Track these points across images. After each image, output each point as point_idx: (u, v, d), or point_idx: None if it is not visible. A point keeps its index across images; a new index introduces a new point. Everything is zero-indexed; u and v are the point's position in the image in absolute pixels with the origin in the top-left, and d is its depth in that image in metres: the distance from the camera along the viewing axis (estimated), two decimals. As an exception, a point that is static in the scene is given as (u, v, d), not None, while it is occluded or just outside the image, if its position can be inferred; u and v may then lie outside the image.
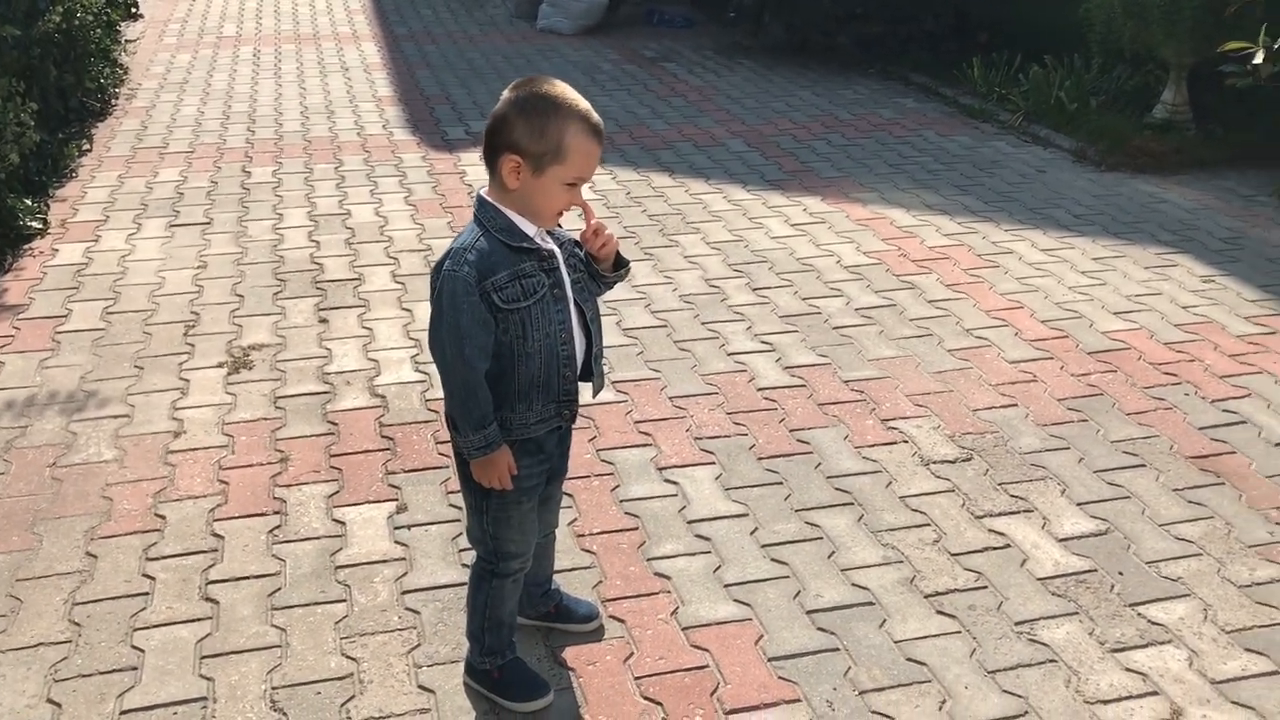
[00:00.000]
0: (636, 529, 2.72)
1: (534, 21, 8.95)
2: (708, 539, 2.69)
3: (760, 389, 3.40)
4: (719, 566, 2.59)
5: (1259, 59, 4.80)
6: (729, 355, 3.60)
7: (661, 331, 3.75)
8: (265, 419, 3.16)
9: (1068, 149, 5.92)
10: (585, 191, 1.96)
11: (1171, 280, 4.24)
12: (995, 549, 2.67)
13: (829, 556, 2.64)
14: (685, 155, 5.71)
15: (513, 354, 1.90)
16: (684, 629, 2.39)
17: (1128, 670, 2.29)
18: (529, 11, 9.13)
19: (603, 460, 2.99)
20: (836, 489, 2.90)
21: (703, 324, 3.81)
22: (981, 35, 7.32)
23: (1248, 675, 2.27)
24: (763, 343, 3.69)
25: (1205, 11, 5.45)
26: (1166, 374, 3.51)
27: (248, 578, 2.52)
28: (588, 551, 2.63)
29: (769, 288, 4.12)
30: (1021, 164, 5.72)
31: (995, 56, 6.89)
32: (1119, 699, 2.22)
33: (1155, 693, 2.23)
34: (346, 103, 6.57)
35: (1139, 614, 2.45)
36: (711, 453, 3.05)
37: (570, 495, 2.81)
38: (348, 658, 2.30)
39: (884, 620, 2.43)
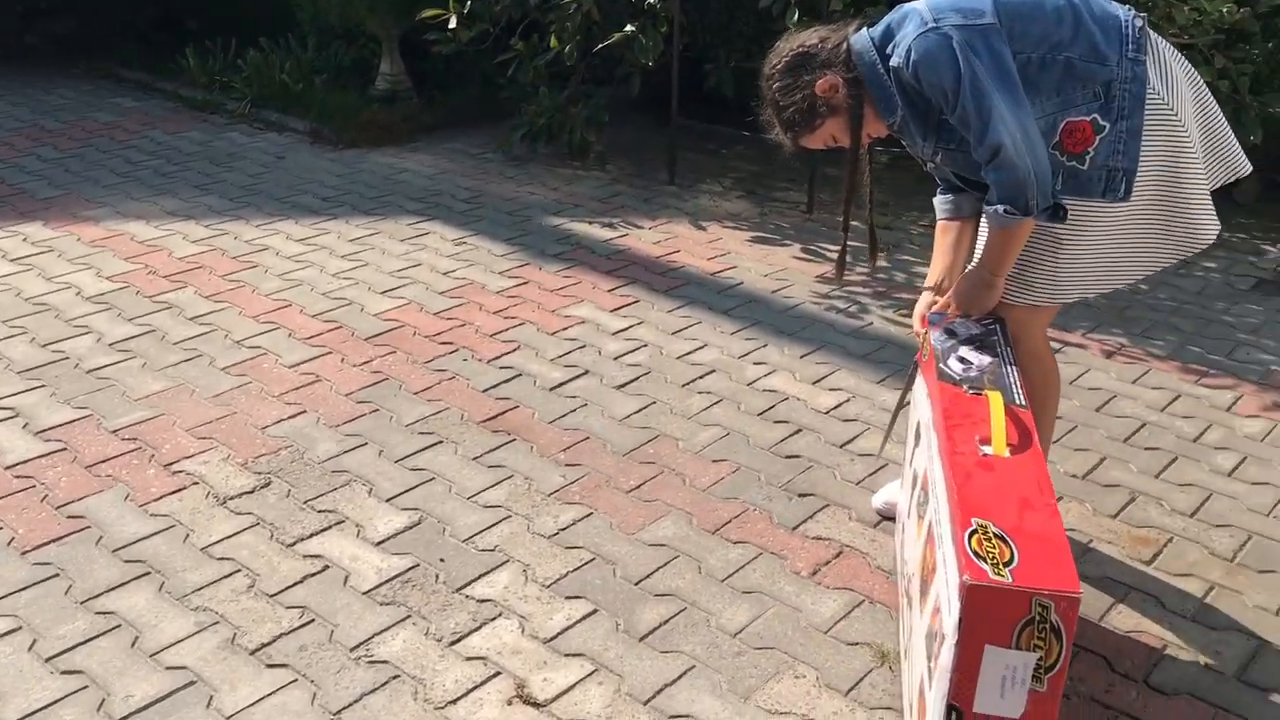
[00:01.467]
0: None
1: None
2: (-28, 675, 2.19)
3: (9, 466, 2.86)
4: (-6, 705, 2.12)
5: (453, 24, 5.07)
6: (-40, 435, 3.00)
7: None
8: None
9: (303, 131, 5.83)
10: None
11: (427, 249, 4.35)
12: (314, 575, 2.50)
13: (133, 645, 2.28)
14: None
15: None
16: (-40, 804, 1.92)
17: (468, 660, 2.26)
18: None
19: None
20: (127, 561, 2.53)
21: (-83, 404, 3.13)
22: (190, 23, 6.93)
23: (573, 623, 2.37)
24: (2, 409, 3.12)
25: (401, -17, 5.64)
26: (443, 344, 3.57)
27: None
28: None
29: (-2, 341, 3.51)
30: (260, 153, 5.52)
31: (211, 44, 6.56)
32: (466, 693, 2.18)
33: (498, 673, 2.23)
34: None
35: (467, 596, 2.44)
36: (-41, 563, 2.50)
37: None
38: None
39: (211, 697, 2.16)
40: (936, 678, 1.65)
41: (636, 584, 2.49)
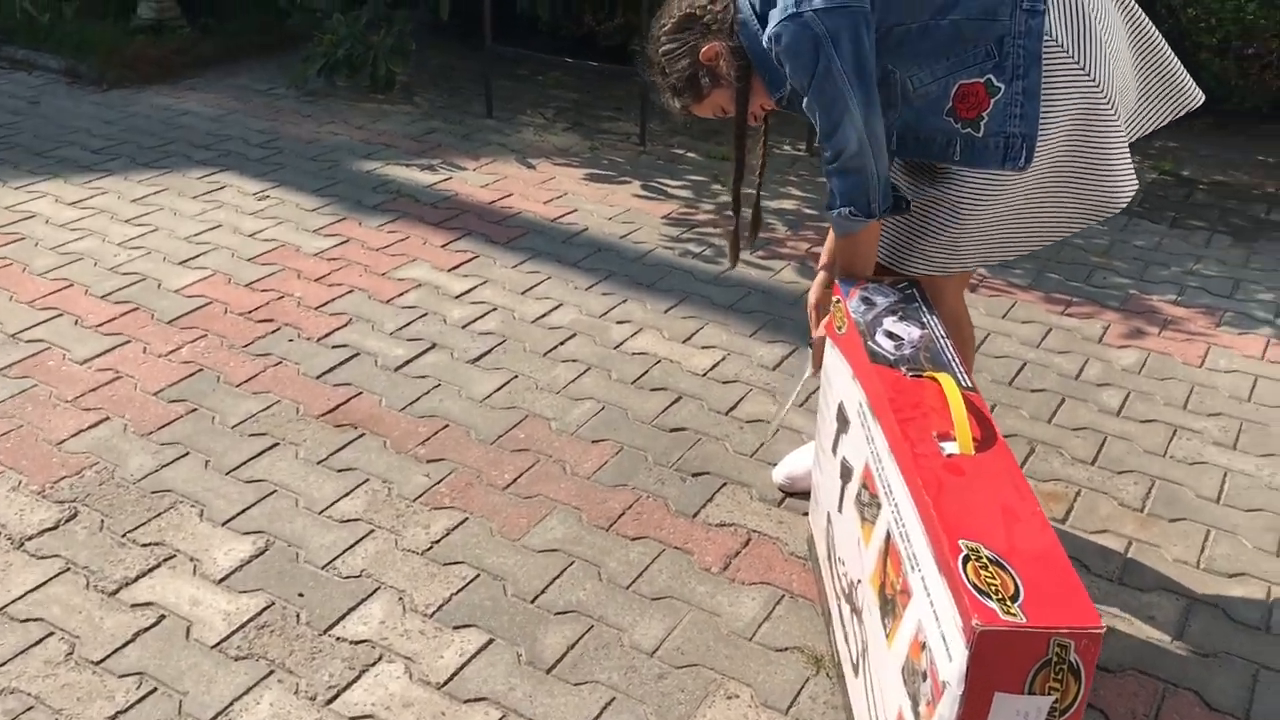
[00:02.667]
0: None
1: None
2: None
3: None
4: None
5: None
6: None
7: None
8: None
9: (57, 69, 5.12)
10: None
11: (226, 206, 3.84)
12: (148, 630, 2.10)
13: (-74, 749, 1.86)
14: None
15: None
16: None
17: (353, 720, 1.94)
18: None
19: None
20: (-96, 635, 2.07)
21: None
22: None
23: (467, 659, 2.06)
24: None
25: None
26: (262, 322, 3.13)
27: None
28: None
29: None
30: (7, 97, 4.81)
31: (-71, -32, 5.66)
32: (357, 764, 1.86)
33: (390, 733, 1.92)
34: None
35: (338, 639, 2.10)
36: None
37: None
38: None
39: (38, 809, 1.77)
40: (933, 727, 1.44)
41: (532, 602, 2.20)
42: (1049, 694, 1.37)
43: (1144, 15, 2.09)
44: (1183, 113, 2.15)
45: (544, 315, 3.22)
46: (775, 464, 2.58)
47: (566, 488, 2.52)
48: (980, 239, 2.10)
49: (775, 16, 1.90)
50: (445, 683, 2.01)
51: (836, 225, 2.04)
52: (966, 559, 1.43)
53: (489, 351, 3.03)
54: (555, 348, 3.06)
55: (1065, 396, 2.92)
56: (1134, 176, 2.07)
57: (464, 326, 3.15)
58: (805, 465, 2.51)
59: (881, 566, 1.70)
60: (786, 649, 2.11)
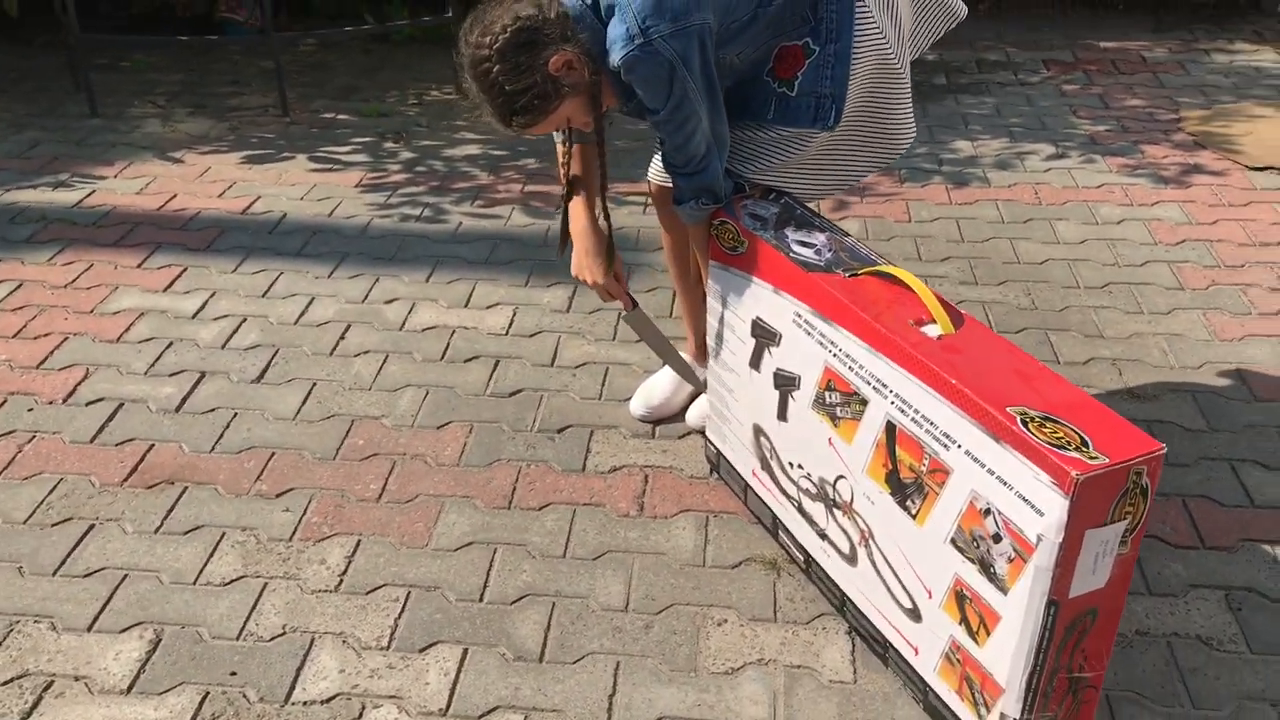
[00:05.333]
0: None
1: None
2: None
3: None
4: None
5: None
6: None
7: None
8: None
9: None
10: None
11: None
12: (79, 773, 1.77)
13: None
14: None
15: None
16: None
17: (383, 780, 1.77)
18: None
19: None
20: None
21: None
22: None
23: (453, 676, 1.93)
24: None
25: None
26: (-24, 398, 2.63)
27: None
28: None
29: None
30: None
31: None
32: (417, 821, 1.71)
33: (429, 777, 1.77)
34: None
35: (306, 703, 1.88)
36: None
37: None
38: None
39: None
40: (1025, 580, 1.58)
41: (481, 600, 2.09)
42: (1124, 518, 1.55)
43: None
44: (953, 26, 2.31)
45: (303, 313, 2.97)
46: (628, 399, 2.60)
47: (443, 480, 2.39)
48: (778, 180, 2.20)
49: (621, 39, 1.85)
50: (448, 707, 1.88)
51: (688, 215, 2.12)
52: (1025, 422, 1.56)
53: (269, 365, 2.75)
54: (338, 344, 2.84)
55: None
56: (913, 124, 2.23)
57: (223, 346, 2.83)
58: (661, 393, 2.56)
59: (886, 456, 1.80)
60: (739, 564, 2.17)
